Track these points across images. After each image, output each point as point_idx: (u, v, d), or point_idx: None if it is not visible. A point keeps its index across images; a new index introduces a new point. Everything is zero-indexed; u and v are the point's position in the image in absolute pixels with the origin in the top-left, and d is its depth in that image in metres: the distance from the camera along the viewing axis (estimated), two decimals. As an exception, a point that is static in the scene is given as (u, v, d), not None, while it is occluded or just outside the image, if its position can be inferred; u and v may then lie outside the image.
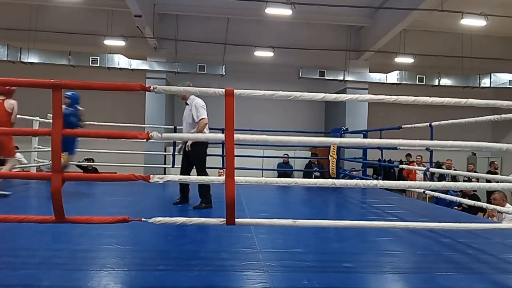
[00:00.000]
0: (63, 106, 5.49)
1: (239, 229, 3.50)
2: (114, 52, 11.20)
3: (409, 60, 11.60)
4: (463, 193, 7.94)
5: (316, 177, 10.00)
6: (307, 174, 10.59)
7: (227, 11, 10.87)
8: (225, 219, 2.60)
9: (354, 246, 3.38)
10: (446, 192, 5.41)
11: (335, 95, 2.78)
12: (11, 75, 2.75)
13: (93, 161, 9.70)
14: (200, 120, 4.66)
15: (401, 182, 5.96)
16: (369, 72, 12.11)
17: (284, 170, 10.76)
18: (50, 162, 2.54)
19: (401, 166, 8.20)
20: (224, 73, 11.38)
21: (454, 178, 9.82)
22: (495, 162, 11.12)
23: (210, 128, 8.15)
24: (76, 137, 5.67)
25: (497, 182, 5.16)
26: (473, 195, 7.88)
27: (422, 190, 5.75)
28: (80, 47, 11.10)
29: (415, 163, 9.97)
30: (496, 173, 10.40)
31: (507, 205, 5.69)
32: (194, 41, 11.00)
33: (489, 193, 9.54)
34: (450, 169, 9.65)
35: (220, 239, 3.37)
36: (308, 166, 10.91)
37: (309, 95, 2.75)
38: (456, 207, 6.79)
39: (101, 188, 6.44)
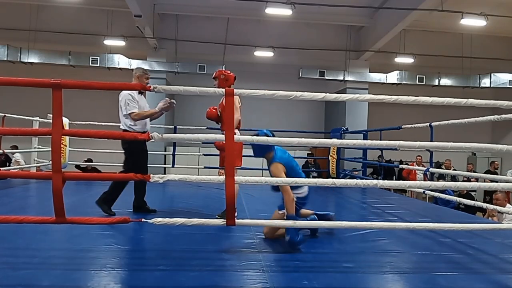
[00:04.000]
0: None
1: (239, 229, 3.51)
2: (114, 52, 11.19)
3: (409, 60, 11.60)
4: (459, 193, 7.93)
5: (313, 177, 9.98)
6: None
7: (227, 11, 10.87)
8: (225, 220, 2.60)
9: (354, 246, 3.38)
10: (444, 191, 5.41)
11: (335, 95, 2.78)
12: (11, 75, 2.75)
13: (91, 161, 9.70)
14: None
15: (401, 182, 5.96)
16: (369, 72, 12.10)
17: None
18: (50, 162, 2.54)
19: (401, 166, 8.19)
20: (224, 73, 11.37)
21: (453, 178, 9.82)
22: (495, 162, 11.11)
23: (210, 128, 8.25)
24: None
25: (497, 182, 5.16)
26: (467, 194, 7.84)
27: (422, 190, 5.75)
28: (80, 47, 11.10)
29: (414, 163, 9.97)
30: (495, 173, 10.40)
31: (508, 205, 5.69)
32: (194, 41, 11.00)
33: (487, 193, 9.57)
34: (449, 169, 9.64)
35: (220, 239, 3.37)
36: (304, 166, 10.90)
37: (309, 95, 2.75)
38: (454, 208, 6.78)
39: (101, 188, 6.43)
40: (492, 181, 5.76)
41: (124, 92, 4.07)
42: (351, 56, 11.87)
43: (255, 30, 11.53)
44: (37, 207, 5.01)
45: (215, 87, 4.59)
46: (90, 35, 10.87)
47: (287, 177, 3.14)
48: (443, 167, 10.15)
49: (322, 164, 10.45)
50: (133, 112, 4.05)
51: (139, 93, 4.14)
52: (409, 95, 2.72)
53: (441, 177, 9.14)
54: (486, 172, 10.52)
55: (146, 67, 11.37)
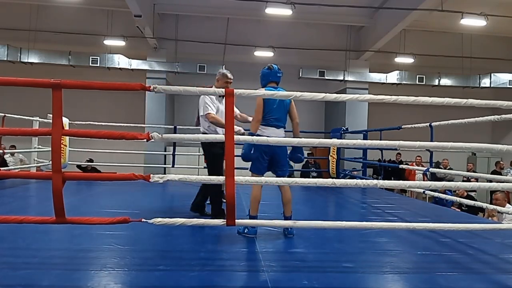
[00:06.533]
0: None
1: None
2: (114, 52, 11.20)
3: (409, 60, 11.60)
4: (457, 195, 7.87)
5: (313, 177, 9.98)
6: (304, 174, 10.59)
7: (227, 11, 10.87)
8: (225, 220, 2.60)
9: (354, 246, 3.39)
10: (444, 191, 5.41)
11: (335, 95, 2.77)
12: (11, 75, 2.75)
13: (92, 161, 9.71)
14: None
15: (401, 182, 5.95)
16: (369, 72, 12.11)
17: (284, 170, 10.74)
18: (50, 162, 2.54)
19: (401, 166, 8.18)
20: (224, 73, 11.37)
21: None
22: (501, 162, 11.07)
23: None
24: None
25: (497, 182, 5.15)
26: (467, 196, 7.80)
27: (422, 190, 5.75)
28: (80, 47, 11.10)
29: (414, 163, 9.95)
30: (501, 173, 10.38)
31: (507, 205, 5.68)
32: (194, 41, 11.00)
33: (491, 193, 9.53)
34: (446, 168, 9.63)
35: (220, 239, 3.37)
36: (305, 166, 10.91)
37: (309, 95, 2.75)
38: (454, 207, 6.77)
39: (101, 188, 6.45)
40: (491, 181, 5.76)
41: (203, 95, 4.16)
42: (351, 56, 11.87)
43: (255, 30, 11.53)
44: (37, 207, 5.00)
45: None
46: (90, 35, 10.87)
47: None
48: (441, 166, 10.14)
49: (322, 164, 10.45)
50: (209, 113, 4.13)
51: (219, 97, 4.20)
52: (409, 95, 2.72)
53: (434, 176, 9.04)
54: (492, 172, 10.48)
55: (146, 67, 11.41)
